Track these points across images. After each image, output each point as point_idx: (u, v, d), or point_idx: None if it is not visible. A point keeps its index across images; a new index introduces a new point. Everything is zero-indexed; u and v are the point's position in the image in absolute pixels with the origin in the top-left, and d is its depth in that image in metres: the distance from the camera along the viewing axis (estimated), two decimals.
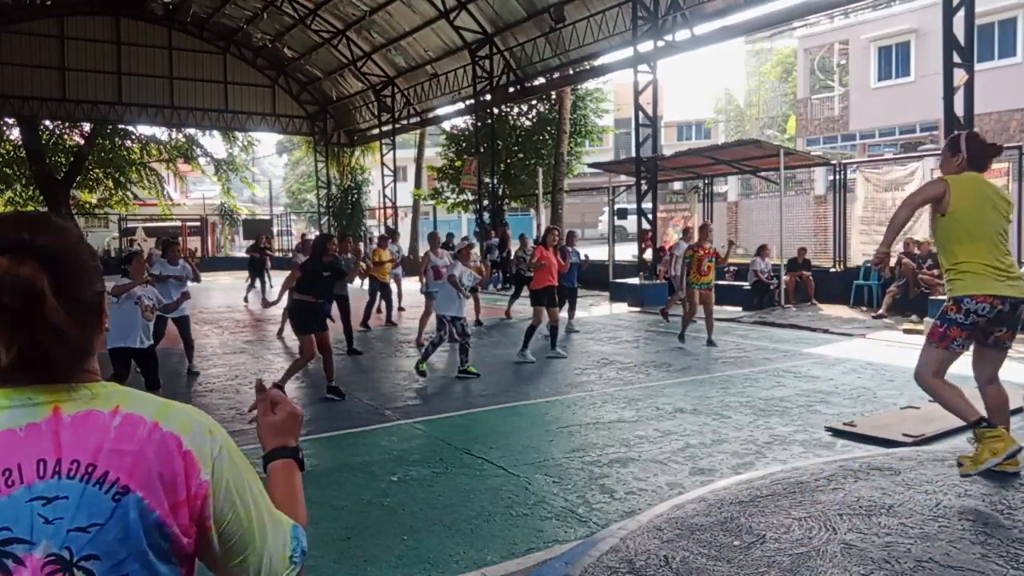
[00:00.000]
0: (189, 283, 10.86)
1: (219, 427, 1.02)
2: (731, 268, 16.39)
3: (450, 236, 16.16)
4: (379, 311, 12.66)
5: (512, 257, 15.67)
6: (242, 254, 25.56)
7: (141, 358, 6.31)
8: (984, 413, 3.82)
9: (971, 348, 3.97)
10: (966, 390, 6.69)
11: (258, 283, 17.06)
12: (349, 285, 9.75)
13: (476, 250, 13.43)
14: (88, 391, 0.96)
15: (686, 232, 12.06)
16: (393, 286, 13.31)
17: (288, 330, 9.72)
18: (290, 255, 21.60)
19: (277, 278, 16.50)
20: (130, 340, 6.18)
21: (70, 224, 1.03)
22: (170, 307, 6.45)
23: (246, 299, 16.59)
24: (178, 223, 34.28)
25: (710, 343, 9.63)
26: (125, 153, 31.26)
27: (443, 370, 8.62)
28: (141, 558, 0.92)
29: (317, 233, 27.40)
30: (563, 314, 11.25)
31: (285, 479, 1.20)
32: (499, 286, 18.62)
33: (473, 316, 12.45)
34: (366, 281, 12.68)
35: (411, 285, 14.85)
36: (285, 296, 7.82)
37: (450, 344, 8.98)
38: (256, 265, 17.20)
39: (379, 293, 12.53)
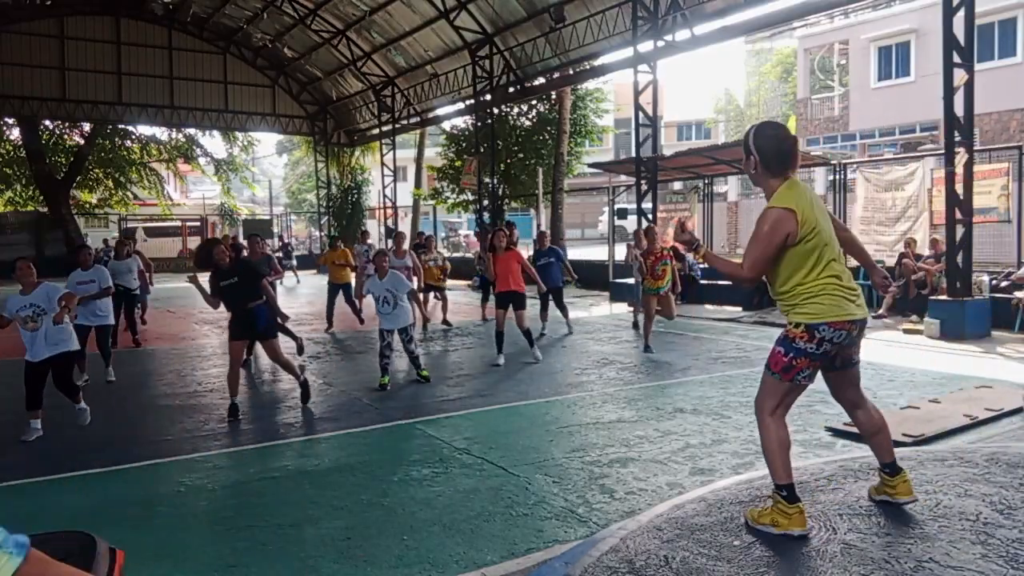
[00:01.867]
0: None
1: None
2: None
3: (420, 234, 15.55)
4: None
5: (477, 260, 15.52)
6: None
7: (50, 367, 6.01)
8: (789, 479, 3.37)
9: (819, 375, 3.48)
10: (962, 394, 6.68)
11: None
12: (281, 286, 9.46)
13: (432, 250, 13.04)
14: None
15: (635, 235, 11.40)
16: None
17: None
18: (279, 255, 21.63)
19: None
20: (30, 354, 5.95)
21: None
22: (56, 318, 5.96)
23: None
24: (178, 223, 34.28)
25: (647, 349, 9.23)
26: (125, 153, 31.29)
27: (441, 370, 8.62)
28: None
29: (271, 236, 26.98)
30: (556, 313, 11.21)
31: None
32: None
33: (440, 317, 12.26)
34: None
35: None
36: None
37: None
38: None
39: (340, 294, 12.23)
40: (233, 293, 6.57)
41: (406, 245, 11.60)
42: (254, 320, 6.63)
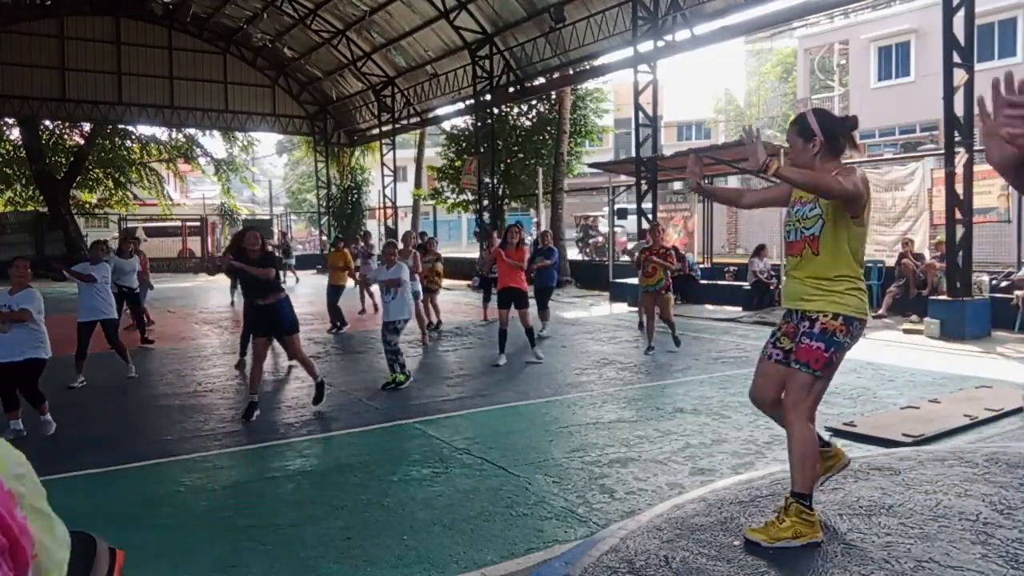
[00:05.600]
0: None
1: (22, 455, 0.96)
2: (731, 268, 16.41)
3: (423, 235, 15.38)
4: (362, 311, 12.94)
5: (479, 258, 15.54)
6: None
7: (18, 372, 5.84)
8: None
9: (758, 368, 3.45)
10: (962, 394, 6.69)
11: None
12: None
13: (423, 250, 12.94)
14: None
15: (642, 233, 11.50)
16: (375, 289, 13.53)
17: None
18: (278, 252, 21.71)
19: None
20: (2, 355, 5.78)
21: None
22: (6, 316, 5.77)
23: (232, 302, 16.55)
24: (178, 223, 34.25)
25: (649, 350, 9.14)
26: (125, 153, 31.26)
27: (441, 370, 8.62)
28: None
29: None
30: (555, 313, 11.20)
31: None
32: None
33: (434, 318, 12.09)
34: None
35: None
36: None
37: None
38: None
39: (338, 296, 12.18)
40: (255, 282, 6.49)
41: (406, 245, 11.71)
42: (278, 316, 6.52)
